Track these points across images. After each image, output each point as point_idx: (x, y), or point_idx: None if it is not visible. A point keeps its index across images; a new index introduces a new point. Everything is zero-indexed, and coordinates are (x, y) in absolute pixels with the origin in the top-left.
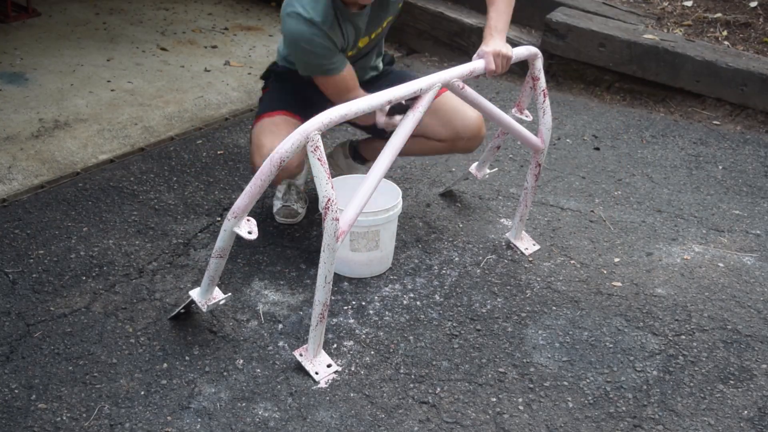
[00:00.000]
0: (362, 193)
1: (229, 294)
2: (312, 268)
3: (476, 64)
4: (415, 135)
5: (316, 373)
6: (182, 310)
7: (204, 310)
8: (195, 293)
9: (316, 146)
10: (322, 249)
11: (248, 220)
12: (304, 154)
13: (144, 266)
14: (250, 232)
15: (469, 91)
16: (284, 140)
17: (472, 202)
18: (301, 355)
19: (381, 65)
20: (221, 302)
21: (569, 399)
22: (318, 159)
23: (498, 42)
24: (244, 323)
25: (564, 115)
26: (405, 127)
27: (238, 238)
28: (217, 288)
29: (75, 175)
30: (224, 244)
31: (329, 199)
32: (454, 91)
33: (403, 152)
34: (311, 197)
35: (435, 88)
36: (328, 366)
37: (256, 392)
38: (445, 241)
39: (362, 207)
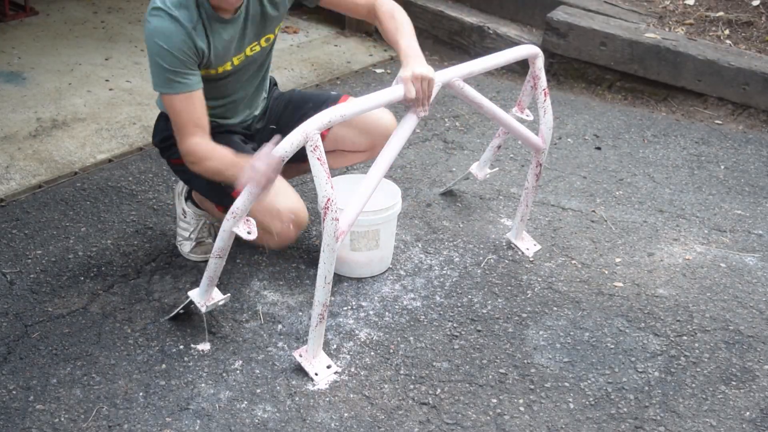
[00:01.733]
0: (362, 193)
1: (228, 294)
2: (312, 268)
3: (394, 92)
4: (331, 150)
5: (316, 374)
6: (181, 311)
7: (203, 310)
8: (194, 294)
9: (316, 146)
10: (321, 249)
11: (247, 220)
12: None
13: (142, 266)
14: (249, 232)
15: (469, 90)
16: (283, 140)
17: (473, 202)
18: (300, 355)
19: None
20: (220, 303)
21: (570, 400)
22: (318, 159)
23: (416, 64)
24: (243, 324)
25: (565, 115)
26: (405, 126)
27: (237, 238)
28: (216, 288)
29: (73, 175)
30: (223, 244)
31: (329, 199)
32: (455, 91)
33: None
34: (311, 197)
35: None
36: (328, 367)
37: (255, 393)
38: (446, 241)
39: (362, 207)
